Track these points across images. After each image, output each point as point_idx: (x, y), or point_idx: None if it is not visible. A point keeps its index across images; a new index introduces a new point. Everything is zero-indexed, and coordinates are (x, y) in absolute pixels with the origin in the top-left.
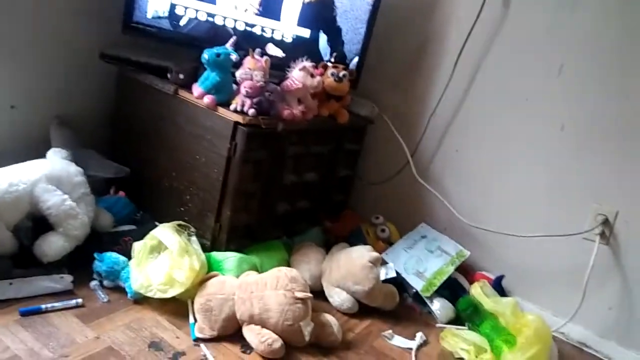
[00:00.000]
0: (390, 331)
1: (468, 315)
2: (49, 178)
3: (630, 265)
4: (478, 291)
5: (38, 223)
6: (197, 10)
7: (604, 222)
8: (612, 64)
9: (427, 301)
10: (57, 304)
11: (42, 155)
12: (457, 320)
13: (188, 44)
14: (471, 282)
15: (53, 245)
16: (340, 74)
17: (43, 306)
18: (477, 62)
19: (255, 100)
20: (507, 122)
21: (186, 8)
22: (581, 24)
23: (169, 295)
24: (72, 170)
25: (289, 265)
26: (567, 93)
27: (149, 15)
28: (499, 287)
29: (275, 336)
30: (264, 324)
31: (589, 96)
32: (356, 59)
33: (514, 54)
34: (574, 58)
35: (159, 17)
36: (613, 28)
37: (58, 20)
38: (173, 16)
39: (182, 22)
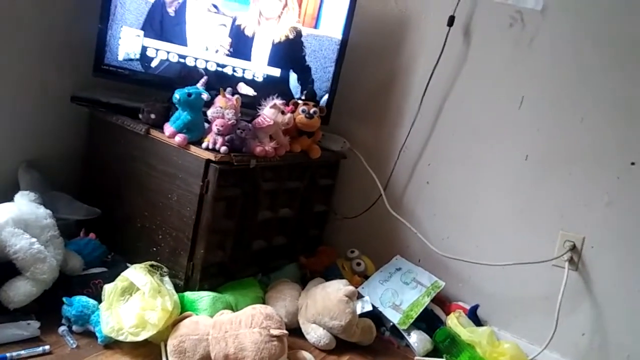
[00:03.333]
0: None
1: (446, 346)
2: (16, 221)
3: (600, 290)
4: (454, 322)
5: (4, 268)
6: (168, 52)
7: (571, 248)
8: (567, 94)
9: (405, 334)
10: (23, 352)
11: (9, 199)
12: (435, 352)
13: (160, 85)
14: (447, 313)
15: (20, 291)
16: (311, 111)
17: (8, 355)
18: (442, 96)
19: (227, 137)
20: (474, 154)
21: (157, 50)
22: (537, 58)
23: (141, 338)
24: (41, 213)
25: (264, 302)
26: (529, 123)
27: (120, 58)
28: (474, 317)
29: None
30: None
31: (549, 126)
32: (326, 96)
33: (477, 88)
34: (533, 90)
35: (130, 59)
36: (566, 61)
37: (28, 63)
38: (144, 58)
39: (154, 64)
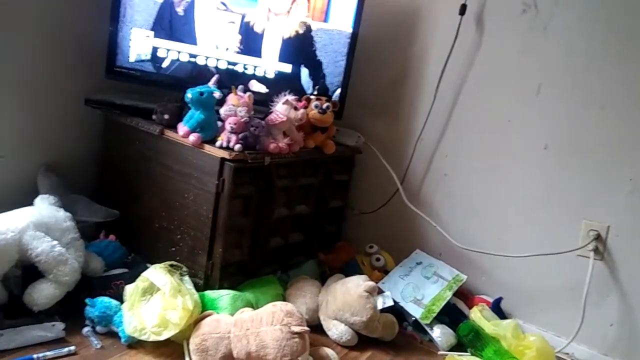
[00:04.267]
0: None
1: (470, 340)
2: (37, 225)
3: (627, 279)
4: (478, 315)
5: (27, 271)
6: (179, 52)
7: (596, 237)
8: (586, 81)
9: (427, 328)
10: (49, 353)
11: (30, 203)
12: (459, 347)
13: (171, 85)
14: (470, 307)
15: (43, 293)
16: (324, 106)
17: (35, 356)
18: (457, 86)
19: (240, 135)
20: (492, 144)
21: (168, 50)
22: (553, 43)
23: (163, 337)
24: (61, 216)
25: (284, 300)
26: (547, 112)
27: (132, 59)
28: (498, 310)
29: None
30: None
31: (569, 113)
32: (339, 90)
33: (492, 77)
34: (551, 77)
35: (142, 61)
36: (584, 45)
37: (42, 69)
38: (155, 59)
39: (165, 64)
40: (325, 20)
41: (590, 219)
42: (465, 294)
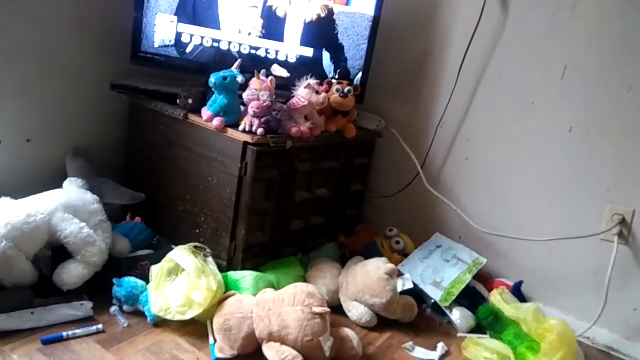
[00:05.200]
0: (411, 343)
1: (489, 323)
2: (66, 207)
3: None
4: (497, 298)
5: (57, 252)
6: (202, 37)
7: (621, 221)
8: (614, 61)
9: (447, 311)
10: (78, 331)
11: (59, 186)
12: (478, 329)
13: (195, 70)
14: (490, 290)
15: (72, 273)
16: (345, 90)
17: (64, 334)
18: (480, 69)
19: (263, 119)
20: (515, 127)
21: (192, 35)
22: (581, 24)
23: (188, 317)
24: (89, 199)
25: (305, 281)
26: (573, 94)
27: (156, 45)
28: (518, 293)
29: (296, 353)
30: (283, 341)
31: (595, 95)
32: (360, 74)
33: (517, 58)
34: (577, 58)
35: (166, 46)
36: (613, 25)
37: (69, 55)
38: (179, 44)
39: (189, 49)
40: (347, 4)
41: (615, 203)
42: (485, 278)
